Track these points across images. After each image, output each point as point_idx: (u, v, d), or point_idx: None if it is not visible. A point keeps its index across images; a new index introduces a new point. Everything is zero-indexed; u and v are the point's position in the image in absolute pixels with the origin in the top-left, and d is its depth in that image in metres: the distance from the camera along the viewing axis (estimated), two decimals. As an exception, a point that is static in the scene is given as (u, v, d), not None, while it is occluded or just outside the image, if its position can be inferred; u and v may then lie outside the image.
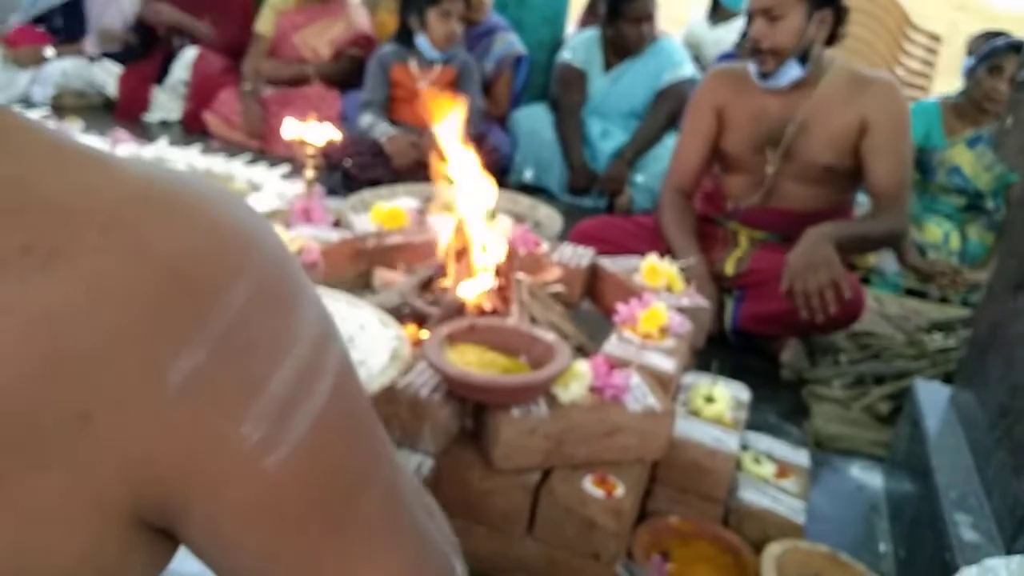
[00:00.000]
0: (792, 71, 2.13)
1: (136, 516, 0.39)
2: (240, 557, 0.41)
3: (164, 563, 0.43)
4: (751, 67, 2.18)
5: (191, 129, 3.67)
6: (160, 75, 3.85)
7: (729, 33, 3.82)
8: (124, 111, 3.78)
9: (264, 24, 3.60)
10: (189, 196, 0.39)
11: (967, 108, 2.84)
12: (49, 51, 3.80)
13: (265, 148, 3.47)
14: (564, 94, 3.46)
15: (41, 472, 0.35)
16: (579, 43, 3.51)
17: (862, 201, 2.39)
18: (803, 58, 2.12)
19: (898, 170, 2.12)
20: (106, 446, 0.36)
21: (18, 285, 0.34)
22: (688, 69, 3.39)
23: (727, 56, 3.30)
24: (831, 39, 2.14)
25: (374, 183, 2.79)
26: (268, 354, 0.39)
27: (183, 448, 0.37)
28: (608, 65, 3.44)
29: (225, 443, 0.38)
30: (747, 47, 2.17)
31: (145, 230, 0.37)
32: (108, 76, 3.86)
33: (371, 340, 1.13)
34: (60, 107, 3.67)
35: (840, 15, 2.11)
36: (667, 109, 3.33)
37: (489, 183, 1.59)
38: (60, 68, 3.78)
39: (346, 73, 3.59)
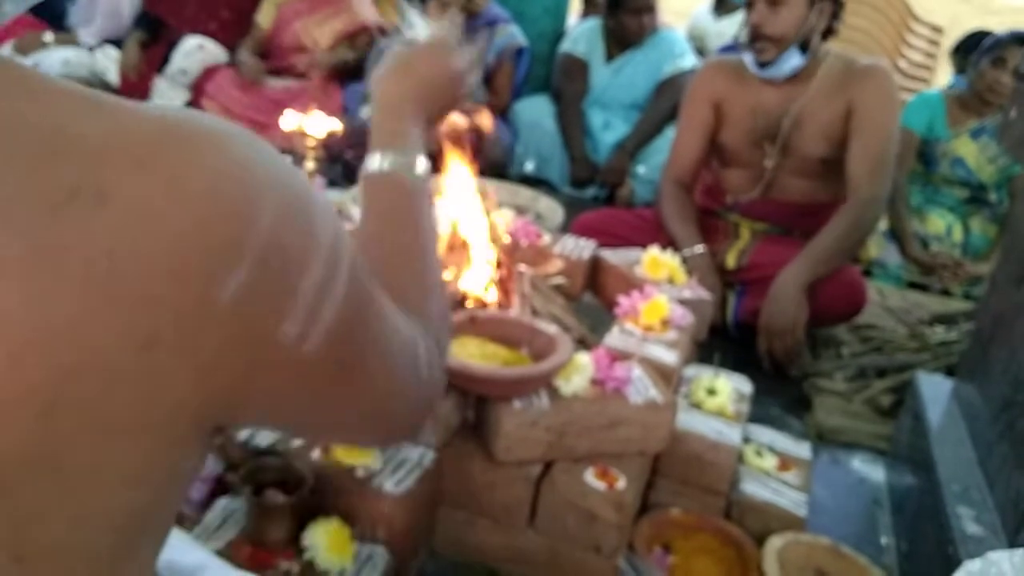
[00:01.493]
0: (792, 60, 2.09)
1: (205, 419, 0.44)
2: (282, 418, 0.53)
3: (201, 467, 0.50)
4: (747, 57, 2.14)
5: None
6: (162, 64, 3.83)
7: (733, 25, 3.80)
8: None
9: (264, 16, 3.59)
10: (208, 132, 0.43)
11: (971, 100, 2.82)
12: (48, 36, 3.77)
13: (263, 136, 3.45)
14: (566, 84, 3.45)
15: (117, 393, 0.39)
16: (581, 33, 3.50)
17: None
18: (802, 48, 2.09)
19: (874, 153, 2.07)
20: (176, 364, 0.41)
21: (73, 226, 0.37)
22: (689, 60, 3.37)
23: (728, 48, 3.29)
24: (826, 33, 2.12)
25: (375, 175, 2.78)
26: (297, 263, 0.44)
27: (240, 353, 0.43)
28: (610, 56, 3.43)
29: (271, 341, 0.44)
30: (745, 35, 2.12)
31: (178, 166, 0.40)
32: (109, 63, 3.83)
33: None
34: None
35: (838, 7, 2.09)
36: (668, 101, 3.31)
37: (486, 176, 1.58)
38: (62, 57, 3.74)
39: (349, 63, 3.58)
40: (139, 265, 0.38)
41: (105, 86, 3.85)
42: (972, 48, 2.80)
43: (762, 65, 2.12)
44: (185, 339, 0.40)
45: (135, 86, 3.77)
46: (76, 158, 0.38)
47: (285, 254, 0.43)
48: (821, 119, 2.11)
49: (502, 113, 3.45)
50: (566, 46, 3.51)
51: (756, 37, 2.09)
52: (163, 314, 0.39)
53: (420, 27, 0.87)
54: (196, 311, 0.40)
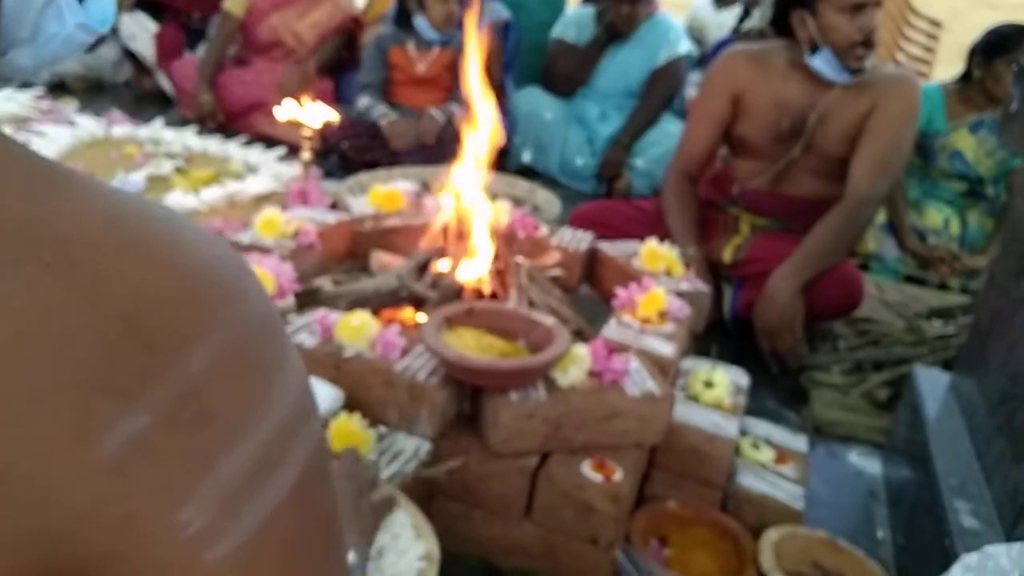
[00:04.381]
0: (869, 64, 2.07)
1: None
2: None
3: None
4: (825, 63, 2.04)
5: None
6: (192, 43, 3.75)
7: (733, 17, 3.79)
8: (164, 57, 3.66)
9: (234, 3, 3.34)
10: (164, 236, 0.34)
11: (973, 94, 2.81)
12: None
13: (240, 129, 3.25)
14: (555, 70, 3.43)
15: None
16: (572, 19, 3.47)
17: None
18: None
19: (879, 155, 2.05)
20: (19, 513, 0.31)
21: None
22: (684, 46, 3.34)
23: (725, 43, 3.27)
24: None
25: (371, 165, 2.77)
26: (225, 429, 0.33)
27: (108, 528, 0.32)
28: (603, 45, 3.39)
29: (159, 529, 0.32)
30: (855, 40, 2.00)
31: (100, 269, 0.32)
32: (138, 29, 3.71)
33: (398, 557, 1.03)
34: (59, 86, 3.62)
35: None
36: (663, 90, 3.29)
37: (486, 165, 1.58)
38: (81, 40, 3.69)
39: (337, 55, 3.47)
40: (6, 373, 0.30)
41: (130, 55, 3.76)
42: (995, 49, 2.74)
43: (856, 72, 2.05)
44: (40, 484, 0.31)
45: (169, 51, 3.67)
46: None
47: (210, 414, 0.33)
48: (845, 118, 2.08)
49: (496, 92, 3.40)
50: (557, 31, 3.47)
51: (867, 44, 2.01)
52: (21, 446, 0.30)
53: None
54: (66, 453, 0.31)
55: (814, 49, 2.05)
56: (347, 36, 3.51)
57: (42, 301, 0.31)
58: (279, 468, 0.35)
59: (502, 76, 3.45)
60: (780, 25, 2.13)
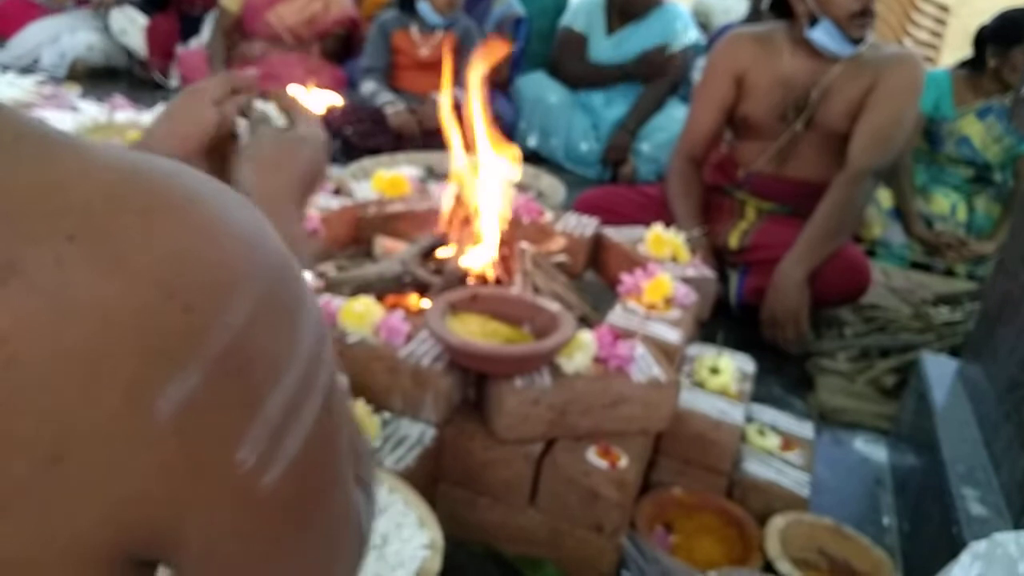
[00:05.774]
0: (871, 35, 2.06)
1: (124, 554, 0.35)
2: (225, 567, 0.40)
3: None
4: (825, 35, 2.02)
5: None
6: (186, 34, 3.73)
7: (738, 2, 3.76)
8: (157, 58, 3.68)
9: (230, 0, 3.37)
10: (177, 192, 0.34)
11: (984, 80, 2.78)
12: None
13: None
14: (565, 60, 3.41)
15: (10, 521, 0.31)
16: (581, 7, 3.46)
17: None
18: None
19: (879, 129, 2.05)
20: (85, 488, 0.32)
21: None
22: (692, 35, 3.34)
23: (733, 28, 3.24)
24: None
25: (375, 151, 2.76)
26: (267, 373, 0.35)
27: (176, 482, 0.34)
28: (611, 29, 3.38)
29: (221, 471, 0.35)
30: (854, 11, 1.98)
31: (123, 236, 0.31)
32: (128, 24, 3.70)
33: (402, 545, 1.02)
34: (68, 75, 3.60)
35: None
36: (669, 77, 3.29)
37: (500, 150, 1.56)
38: (86, 42, 3.66)
39: (339, 47, 3.51)
40: (44, 357, 0.30)
41: (126, 52, 3.76)
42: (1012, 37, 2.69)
43: (858, 41, 2.03)
44: (100, 457, 0.32)
45: (161, 51, 3.67)
46: None
47: (253, 362, 0.34)
48: (847, 94, 2.08)
49: (501, 86, 3.41)
50: (566, 20, 3.47)
51: (868, 12, 2.00)
52: (73, 424, 0.31)
53: (275, 119, 0.78)
54: (121, 424, 0.31)
55: (813, 23, 2.04)
56: (346, 35, 3.52)
57: (75, 276, 0.30)
58: (311, 394, 0.38)
59: (510, 71, 3.44)
60: (778, 5, 2.13)
